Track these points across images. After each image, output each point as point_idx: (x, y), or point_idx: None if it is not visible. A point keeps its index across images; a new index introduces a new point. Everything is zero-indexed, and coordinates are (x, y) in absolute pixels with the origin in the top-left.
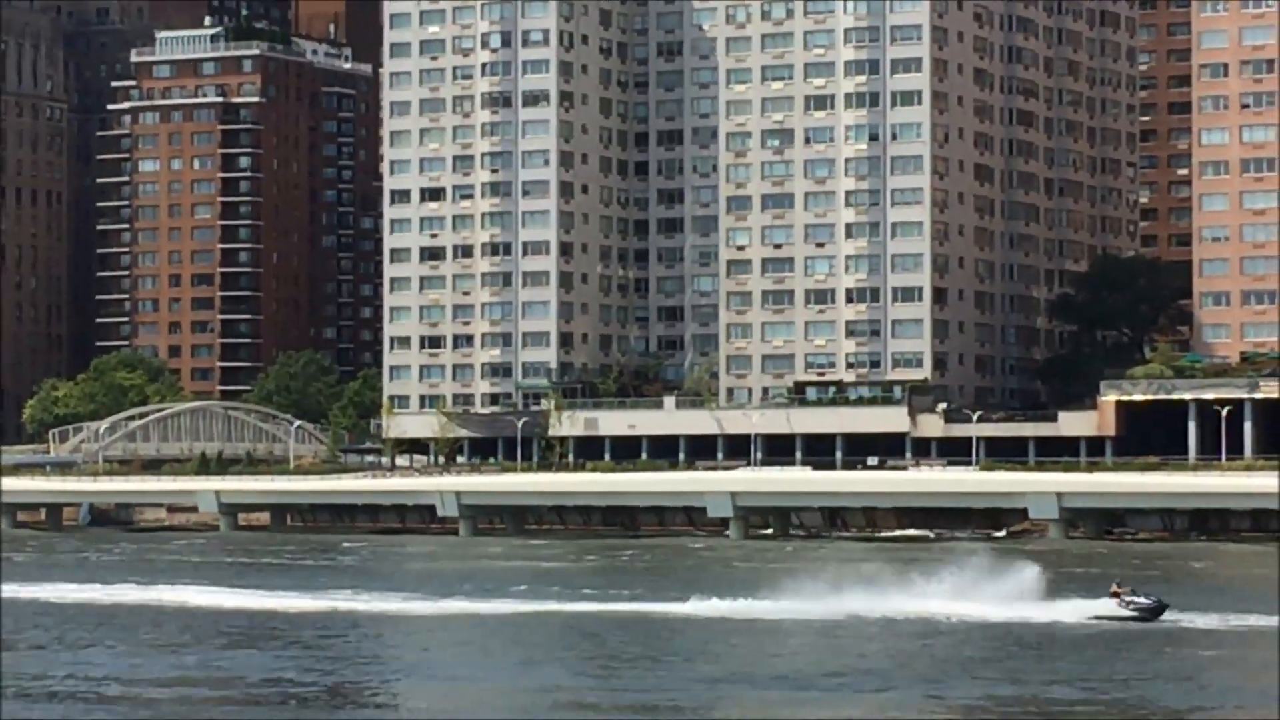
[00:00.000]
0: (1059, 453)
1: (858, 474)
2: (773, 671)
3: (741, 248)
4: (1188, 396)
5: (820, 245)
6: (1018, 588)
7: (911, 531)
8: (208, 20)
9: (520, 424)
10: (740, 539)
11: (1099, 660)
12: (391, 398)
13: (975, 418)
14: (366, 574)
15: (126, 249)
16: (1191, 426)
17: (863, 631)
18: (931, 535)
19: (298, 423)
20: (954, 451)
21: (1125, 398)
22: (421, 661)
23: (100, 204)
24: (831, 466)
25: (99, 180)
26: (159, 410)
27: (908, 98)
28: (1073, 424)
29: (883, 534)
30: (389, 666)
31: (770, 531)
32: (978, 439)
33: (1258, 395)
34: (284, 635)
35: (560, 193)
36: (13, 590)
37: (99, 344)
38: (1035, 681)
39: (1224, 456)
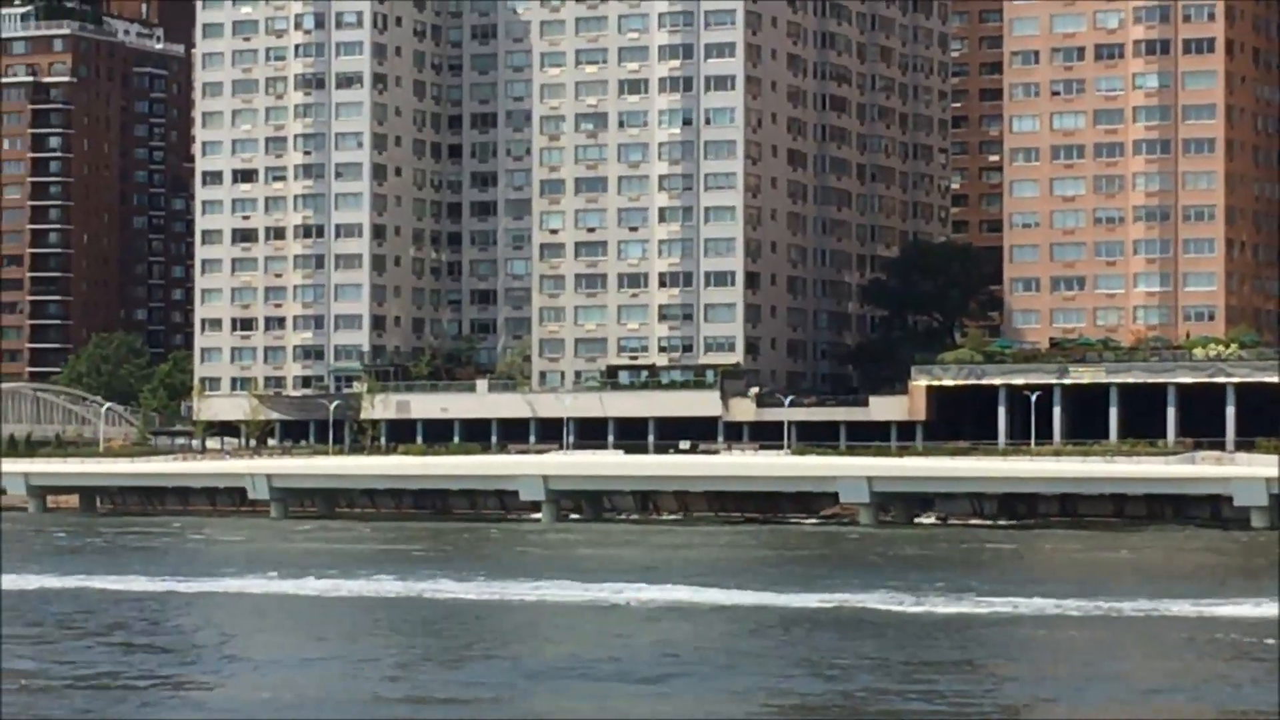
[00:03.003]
0: (870, 437)
1: (670, 458)
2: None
3: (555, 231)
4: (997, 382)
5: (633, 229)
6: None
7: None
8: None
9: (332, 407)
10: (551, 522)
11: None
12: (202, 380)
13: (787, 402)
14: (176, 555)
15: None
16: (1001, 411)
17: None
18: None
19: (108, 405)
20: (766, 436)
21: (936, 383)
22: (244, 645)
23: None
24: (644, 450)
25: None
26: None
27: (721, 82)
28: (884, 408)
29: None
30: (218, 651)
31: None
32: (789, 423)
33: (1067, 381)
34: (93, 618)
35: (373, 175)
36: None
37: None
38: None
39: (1033, 441)
